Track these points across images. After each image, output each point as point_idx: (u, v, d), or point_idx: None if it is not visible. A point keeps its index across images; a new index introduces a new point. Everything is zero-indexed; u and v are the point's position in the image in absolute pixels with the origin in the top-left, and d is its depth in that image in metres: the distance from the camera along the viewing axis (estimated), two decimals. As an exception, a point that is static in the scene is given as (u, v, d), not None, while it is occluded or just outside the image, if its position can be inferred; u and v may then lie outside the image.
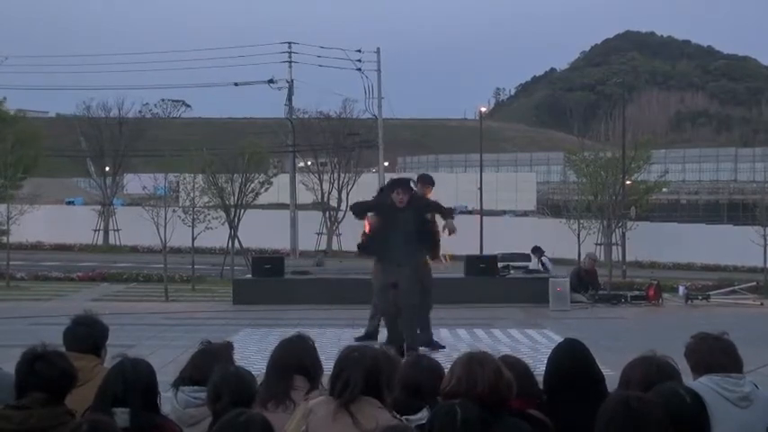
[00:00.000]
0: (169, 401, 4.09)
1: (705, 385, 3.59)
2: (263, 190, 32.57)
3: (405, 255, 10.48)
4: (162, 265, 20.42)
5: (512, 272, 19.04)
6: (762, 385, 3.89)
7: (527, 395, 3.70)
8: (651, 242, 32.73)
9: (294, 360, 4.16)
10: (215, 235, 25.14)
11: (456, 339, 12.78)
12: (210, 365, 4.03)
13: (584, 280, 18.82)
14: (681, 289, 19.71)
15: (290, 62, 42.90)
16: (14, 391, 3.54)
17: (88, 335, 4.36)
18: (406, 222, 10.43)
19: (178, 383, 4.23)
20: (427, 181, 11.98)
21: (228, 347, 4.49)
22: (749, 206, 41.62)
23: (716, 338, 3.86)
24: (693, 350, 3.84)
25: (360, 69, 42.23)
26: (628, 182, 31.04)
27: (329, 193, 41.99)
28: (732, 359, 3.78)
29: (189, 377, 4.23)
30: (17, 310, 16.37)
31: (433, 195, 11.88)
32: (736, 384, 3.66)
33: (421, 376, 3.81)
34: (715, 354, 3.77)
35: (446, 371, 3.88)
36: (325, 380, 4.00)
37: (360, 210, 11.42)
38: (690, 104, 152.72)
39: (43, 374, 3.45)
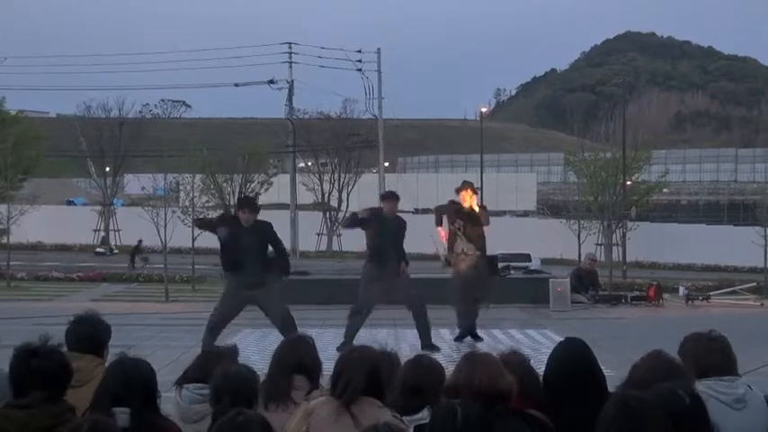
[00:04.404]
0: (170, 401, 4.08)
1: (698, 390, 3.57)
2: (262, 190, 32.61)
3: (252, 277, 10.23)
4: (162, 266, 20.42)
5: (512, 272, 19.05)
6: (762, 385, 3.89)
7: (528, 395, 3.69)
8: (651, 243, 32.76)
9: (294, 360, 4.16)
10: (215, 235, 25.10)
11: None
12: (214, 367, 4.02)
13: (585, 280, 18.83)
14: (681, 289, 19.74)
15: (291, 62, 42.95)
16: (11, 391, 3.52)
17: (90, 334, 4.35)
18: (251, 242, 10.20)
19: (181, 382, 4.22)
20: (388, 197, 11.89)
21: (233, 351, 4.47)
22: (749, 207, 41.60)
23: (710, 338, 3.82)
24: (687, 352, 3.80)
25: (360, 70, 42.30)
26: (628, 182, 31.08)
27: (329, 194, 42.05)
28: (727, 358, 3.75)
29: (192, 377, 4.23)
30: (17, 310, 16.37)
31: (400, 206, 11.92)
32: (729, 387, 3.64)
33: (421, 376, 3.81)
34: (710, 354, 3.75)
35: (446, 371, 3.88)
36: (324, 380, 4.00)
37: (203, 224, 11.32)
38: (690, 105, 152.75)
39: (41, 371, 3.44)
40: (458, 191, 12.35)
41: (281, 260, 10.74)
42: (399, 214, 12.01)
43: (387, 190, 13.56)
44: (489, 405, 3.31)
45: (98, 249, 37.08)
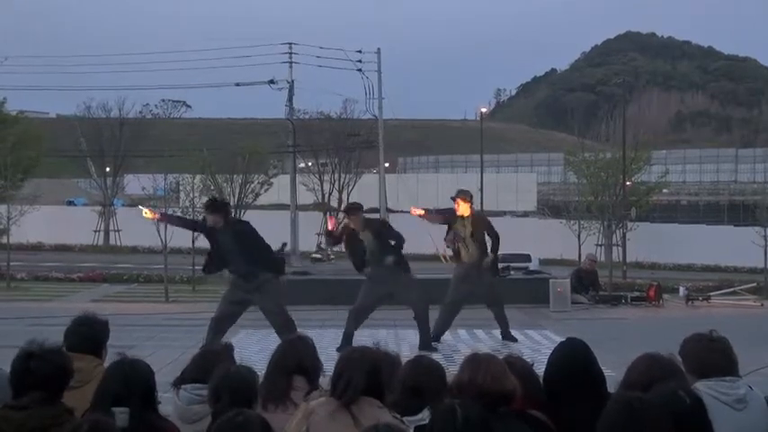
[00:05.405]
0: (169, 402, 4.08)
1: (700, 390, 3.57)
2: (262, 190, 32.56)
3: (239, 272, 10.29)
4: (162, 266, 20.42)
5: (512, 272, 19.05)
6: (763, 386, 3.89)
7: (529, 396, 3.69)
8: (652, 243, 32.74)
9: (294, 361, 4.15)
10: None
11: (456, 340, 12.79)
12: (212, 366, 4.02)
13: (585, 281, 18.83)
14: (681, 290, 19.73)
15: (291, 63, 42.91)
16: (11, 391, 3.52)
17: (89, 335, 4.35)
18: (225, 241, 10.13)
19: (179, 382, 4.22)
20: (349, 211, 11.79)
21: (229, 349, 4.48)
22: (749, 207, 41.62)
23: (711, 339, 3.82)
24: (688, 353, 3.79)
25: (360, 70, 42.21)
26: (628, 183, 31.04)
27: (330, 194, 42.04)
28: (728, 359, 3.75)
29: (190, 378, 4.22)
30: (17, 310, 16.36)
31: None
32: (730, 387, 3.64)
33: (421, 377, 3.81)
34: (711, 354, 3.74)
35: (446, 371, 3.88)
36: (324, 380, 4.00)
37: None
38: (690, 105, 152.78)
39: (39, 372, 3.44)
40: (453, 199, 12.36)
41: (268, 261, 10.49)
42: (386, 214, 11.98)
43: (348, 203, 13.47)
44: (493, 406, 3.31)
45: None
